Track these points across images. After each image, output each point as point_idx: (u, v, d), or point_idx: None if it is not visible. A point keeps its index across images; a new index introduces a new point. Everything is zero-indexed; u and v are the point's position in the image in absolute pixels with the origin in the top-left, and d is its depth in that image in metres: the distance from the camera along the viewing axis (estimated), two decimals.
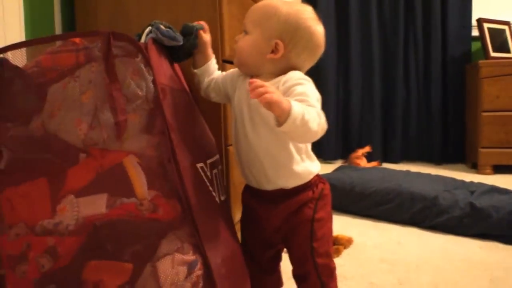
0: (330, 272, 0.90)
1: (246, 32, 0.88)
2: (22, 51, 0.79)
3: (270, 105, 0.67)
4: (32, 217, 0.75)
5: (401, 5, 2.85)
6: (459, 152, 2.88)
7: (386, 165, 2.73)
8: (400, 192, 1.72)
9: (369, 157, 2.70)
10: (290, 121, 0.68)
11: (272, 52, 0.84)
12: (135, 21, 1.22)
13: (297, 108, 0.69)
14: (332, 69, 2.88)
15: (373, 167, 2.37)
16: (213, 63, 0.96)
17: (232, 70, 0.96)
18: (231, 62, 1.29)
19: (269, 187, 0.88)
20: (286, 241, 0.91)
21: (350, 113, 2.95)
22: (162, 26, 0.79)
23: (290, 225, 0.89)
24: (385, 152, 2.97)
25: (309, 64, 0.89)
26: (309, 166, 0.88)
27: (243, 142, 0.88)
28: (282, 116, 0.68)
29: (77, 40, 0.76)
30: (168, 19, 1.20)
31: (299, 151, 0.86)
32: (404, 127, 2.96)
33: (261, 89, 0.67)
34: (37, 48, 0.80)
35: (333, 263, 0.91)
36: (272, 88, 0.69)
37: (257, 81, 0.69)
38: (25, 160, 0.76)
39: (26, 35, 1.12)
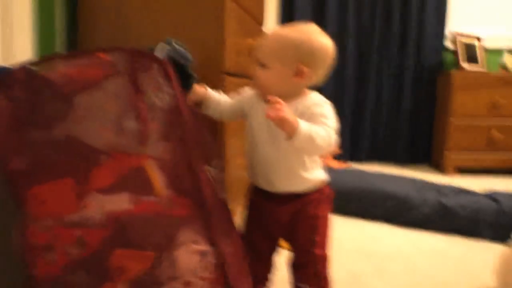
0: (324, 262, 1.02)
1: (263, 65, 0.93)
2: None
3: (281, 122, 0.81)
4: (59, 211, 0.81)
5: (378, 13, 2.95)
6: (425, 154, 3.02)
7: (353, 164, 2.83)
8: (372, 191, 1.84)
9: (338, 157, 2.79)
10: (297, 138, 0.82)
11: (296, 75, 0.92)
12: (137, 35, 1.26)
13: (304, 127, 0.82)
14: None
15: (348, 168, 2.46)
16: (211, 97, 1.04)
17: (250, 92, 1.03)
18: (232, 75, 1.39)
19: (282, 190, 0.98)
20: (289, 234, 1.02)
21: None
22: (174, 44, 0.89)
23: (295, 221, 0.99)
24: (353, 152, 3.07)
25: (324, 75, 0.98)
26: (318, 174, 0.99)
27: (260, 153, 0.97)
28: (290, 133, 0.81)
29: (102, 55, 0.84)
30: (170, 33, 1.27)
31: (312, 162, 0.97)
32: (373, 128, 3.06)
33: (277, 106, 0.80)
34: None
35: (328, 254, 1.02)
36: (285, 107, 0.81)
37: (276, 98, 0.81)
38: (49, 162, 0.83)
39: (34, 49, 1.17)
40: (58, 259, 0.81)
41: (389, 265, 1.34)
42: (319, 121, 0.88)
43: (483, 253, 1.40)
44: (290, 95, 0.94)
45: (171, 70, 0.87)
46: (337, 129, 0.91)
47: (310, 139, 0.83)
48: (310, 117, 0.89)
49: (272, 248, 1.09)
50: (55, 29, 1.26)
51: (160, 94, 0.86)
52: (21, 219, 0.82)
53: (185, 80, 0.95)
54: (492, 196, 1.69)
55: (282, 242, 1.10)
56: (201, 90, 1.02)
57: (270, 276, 1.15)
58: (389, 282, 1.22)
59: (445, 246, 1.52)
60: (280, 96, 0.91)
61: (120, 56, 0.83)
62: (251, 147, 1.01)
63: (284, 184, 0.97)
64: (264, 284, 1.14)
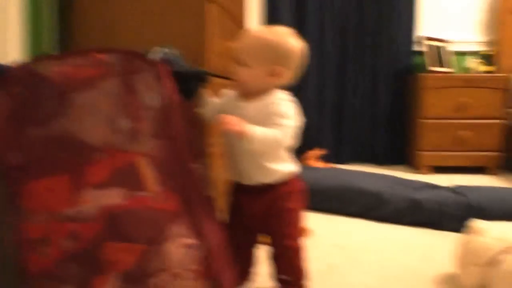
0: (297, 253, 1.08)
1: (242, 64, 1.01)
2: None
3: (236, 134, 0.93)
4: (54, 206, 0.84)
5: (353, 19, 3.07)
6: (401, 154, 3.13)
7: (336, 166, 2.92)
8: (349, 188, 1.91)
9: (321, 158, 2.83)
10: (248, 143, 0.94)
11: (272, 75, 1.00)
12: (126, 38, 1.29)
13: (253, 134, 0.93)
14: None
15: (325, 168, 2.55)
16: (216, 101, 1.11)
17: (227, 92, 1.11)
18: (213, 75, 1.44)
19: (253, 182, 1.05)
20: (264, 227, 1.08)
21: (304, 118, 3.12)
22: (168, 51, 0.93)
23: (268, 214, 1.06)
24: (335, 154, 3.14)
25: (295, 75, 1.06)
26: (287, 167, 1.07)
27: (235, 148, 1.05)
28: (245, 140, 0.93)
29: (99, 56, 0.86)
30: (156, 35, 1.32)
31: (281, 156, 1.05)
32: (353, 131, 3.17)
33: (229, 120, 0.92)
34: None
35: (300, 246, 1.09)
36: (236, 120, 0.93)
37: (227, 117, 0.93)
38: (44, 158, 0.85)
39: (23, 50, 1.18)
40: (52, 252, 0.84)
41: (362, 257, 1.42)
42: (276, 121, 0.97)
43: (448, 243, 1.50)
44: (262, 93, 1.03)
45: (163, 72, 0.90)
46: (296, 126, 1.00)
47: (262, 143, 0.95)
48: (269, 116, 0.98)
49: (252, 242, 1.15)
50: (44, 29, 1.28)
51: (152, 94, 0.88)
52: (17, 213, 0.85)
53: (188, 85, 0.98)
54: (456, 190, 1.80)
55: (263, 237, 1.15)
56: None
57: (253, 269, 1.20)
58: (362, 271, 1.30)
59: (413, 238, 1.62)
60: (253, 93, 1.02)
61: (116, 57, 0.86)
62: (228, 144, 1.08)
63: (254, 175, 1.04)
64: (247, 278, 1.19)
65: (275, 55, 1.00)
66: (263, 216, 1.07)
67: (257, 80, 1.02)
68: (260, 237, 1.17)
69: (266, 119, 0.99)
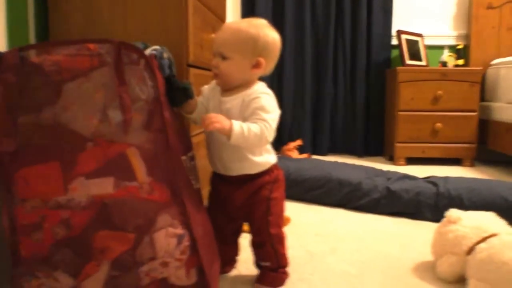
0: (280, 240, 1.13)
1: (224, 57, 1.02)
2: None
3: (217, 130, 0.95)
4: (46, 193, 0.86)
5: (332, 14, 3.12)
6: (379, 146, 3.22)
7: (315, 157, 2.97)
8: (329, 179, 1.95)
9: (300, 149, 2.91)
10: (232, 139, 0.96)
11: (254, 67, 1.02)
12: (107, 29, 1.30)
13: (237, 130, 0.95)
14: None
15: (306, 158, 2.60)
16: (199, 102, 1.10)
17: (207, 88, 1.13)
18: (195, 67, 1.46)
19: (235, 173, 1.08)
20: (247, 215, 1.12)
21: (283, 109, 3.14)
22: (165, 54, 0.94)
23: (250, 203, 1.09)
24: (314, 145, 3.23)
25: (273, 66, 1.09)
26: (268, 158, 1.10)
27: (216, 141, 1.07)
28: (227, 136, 0.96)
29: (91, 46, 0.87)
30: (138, 27, 1.33)
31: (262, 148, 1.07)
32: (332, 123, 3.24)
33: (213, 119, 0.93)
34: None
35: (283, 233, 1.14)
36: (220, 118, 0.95)
37: (210, 116, 0.95)
38: (37, 145, 0.87)
39: (5, 39, 1.17)
40: (45, 239, 0.86)
41: (342, 245, 1.47)
42: (258, 116, 1.00)
43: (424, 232, 1.57)
44: (242, 85, 1.05)
45: (155, 65, 0.92)
46: (275, 117, 1.03)
47: (243, 138, 0.97)
48: (252, 111, 1.01)
49: (235, 230, 1.19)
50: (27, 19, 1.27)
51: (143, 86, 0.90)
52: (9, 199, 0.86)
53: (177, 92, 0.99)
54: (432, 181, 1.87)
55: (245, 225, 1.19)
56: (194, 101, 1.07)
57: (237, 257, 1.24)
58: (341, 259, 1.35)
59: (391, 227, 1.68)
60: (235, 86, 1.04)
61: (108, 48, 0.87)
62: (209, 137, 1.10)
63: (237, 167, 1.07)
64: (232, 265, 1.23)
65: (257, 47, 1.02)
66: (247, 204, 1.10)
67: (241, 72, 1.04)
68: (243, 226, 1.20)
69: (248, 113, 1.02)
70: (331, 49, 3.15)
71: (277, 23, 3.12)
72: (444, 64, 3.01)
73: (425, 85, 2.84)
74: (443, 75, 2.84)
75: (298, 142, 2.88)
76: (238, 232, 1.20)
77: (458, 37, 3.21)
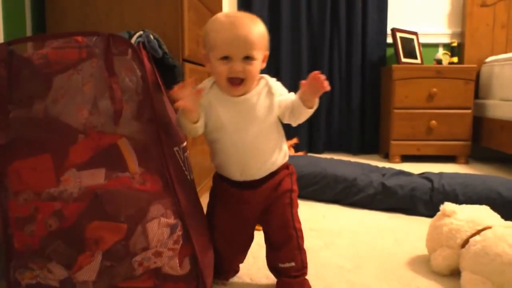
0: (303, 236, 1.06)
1: (249, 58, 0.93)
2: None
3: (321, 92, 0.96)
4: (38, 185, 0.86)
5: (327, 13, 3.12)
6: (374, 144, 3.22)
7: (311, 155, 2.98)
8: (325, 175, 1.94)
9: (296, 148, 2.89)
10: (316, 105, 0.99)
11: (263, 61, 0.99)
12: (104, 22, 1.32)
13: None
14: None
15: (301, 155, 2.59)
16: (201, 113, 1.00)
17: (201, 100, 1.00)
18: (190, 62, 1.46)
19: (258, 177, 1.01)
20: (266, 214, 1.04)
21: None
22: (151, 36, 0.95)
23: (271, 199, 1.03)
24: (310, 144, 3.23)
25: None
26: (286, 150, 1.07)
27: (231, 146, 0.99)
28: (312, 104, 0.99)
29: (79, 38, 0.88)
30: (135, 22, 1.33)
31: (280, 140, 1.04)
32: (328, 121, 3.23)
33: (322, 78, 0.94)
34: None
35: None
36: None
37: (319, 75, 0.94)
38: (28, 138, 0.87)
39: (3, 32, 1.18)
40: (38, 231, 0.86)
41: (337, 240, 1.47)
42: (286, 95, 1.01)
43: (419, 227, 1.57)
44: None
45: (143, 55, 0.92)
46: None
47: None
48: (277, 94, 1.00)
49: (249, 238, 1.11)
50: (24, 12, 1.27)
51: (132, 76, 0.91)
52: (2, 194, 0.86)
53: (168, 71, 0.98)
54: (427, 177, 1.87)
55: (257, 225, 1.11)
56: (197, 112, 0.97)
57: (240, 264, 1.17)
58: (336, 253, 1.35)
59: (386, 222, 1.68)
60: (251, 84, 0.99)
61: (97, 40, 0.87)
62: (219, 144, 1.01)
63: (263, 170, 1.01)
64: (236, 272, 1.16)
65: (266, 41, 0.99)
66: (267, 202, 1.03)
67: (258, 71, 0.98)
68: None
69: (277, 98, 1.00)
70: (327, 47, 3.16)
71: (273, 21, 3.14)
72: (438, 62, 3.02)
73: (420, 83, 2.85)
74: (438, 72, 2.85)
75: (294, 141, 2.86)
76: (251, 238, 1.13)
77: (453, 35, 3.22)
